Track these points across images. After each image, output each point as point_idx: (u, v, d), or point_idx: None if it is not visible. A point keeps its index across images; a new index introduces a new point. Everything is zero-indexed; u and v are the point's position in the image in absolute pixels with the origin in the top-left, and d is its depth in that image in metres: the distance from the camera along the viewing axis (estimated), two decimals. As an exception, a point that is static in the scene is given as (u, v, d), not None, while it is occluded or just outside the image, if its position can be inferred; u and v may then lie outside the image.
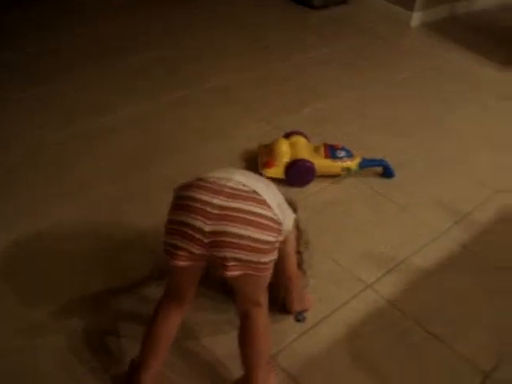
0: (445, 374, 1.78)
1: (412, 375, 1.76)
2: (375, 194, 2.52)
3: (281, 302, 1.86)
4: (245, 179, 1.49)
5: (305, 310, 1.88)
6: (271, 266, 1.47)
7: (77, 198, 2.33)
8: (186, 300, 1.61)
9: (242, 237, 1.38)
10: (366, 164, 2.58)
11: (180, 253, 1.43)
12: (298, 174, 2.48)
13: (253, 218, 1.40)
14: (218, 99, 3.13)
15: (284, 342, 1.82)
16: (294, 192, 2.44)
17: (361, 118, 3.09)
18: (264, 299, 1.57)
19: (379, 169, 2.64)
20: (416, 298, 2.02)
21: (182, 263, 1.45)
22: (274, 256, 1.46)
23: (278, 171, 2.48)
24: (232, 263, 1.40)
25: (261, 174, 2.44)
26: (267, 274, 1.49)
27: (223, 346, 1.77)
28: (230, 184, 1.45)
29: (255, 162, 2.58)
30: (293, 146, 2.54)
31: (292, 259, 1.79)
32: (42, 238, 2.12)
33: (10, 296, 1.88)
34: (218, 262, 1.42)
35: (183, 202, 1.46)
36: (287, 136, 2.60)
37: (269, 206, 1.45)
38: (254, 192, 1.45)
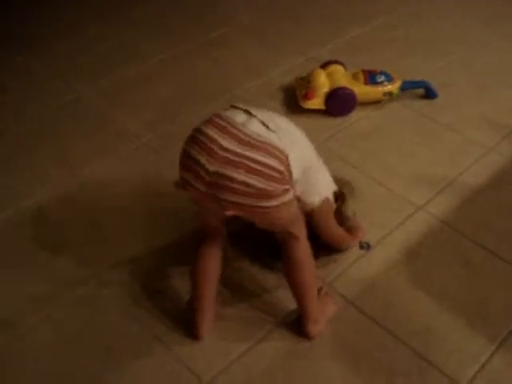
0: (507, 291, 1.77)
1: (473, 293, 1.76)
2: (419, 116, 2.47)
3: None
4: (263, 129, 1.43)
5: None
6: (279, 209, 1.43)
7: (117, 149, 2.36)
8: (216, 235, 1.64)
9: (240, 182, 1.36)
10: (407, 86, 2.52)
11: (189, 187, 1.44)
12: (338, 103, 2.44)
13: (257, 166, 1.36)
14: (250, 37, 3.09)
15: (339, 268, 1.84)
16: (337, 122, 2.42)
17: (394, 41, 3.01)
18: (298, 232, 1.55)
19: (421, 91, 2.58)
20: (470, 216, 2.00)
21: (194, 195, 1.46)
22: (276, 202, 1.40)
23: (318, 102, 2.45)
24: (230, 205, 1.40)
25: (299, 108, 2.42)
26: (281, 216, 1.46)
27: (271, 279, 1.80)
28: (244, 130, 1.41)
29: (294, 96, 2.55)
30: (330, 75, 2.49)
31: (331, 232, 1.79)
32: (89, 192, 2.16)
33: (67, 249, 1.94)
34: (217, 203, 1.42)
35: (196, 134, 1.45)
36: (324, 66, 2.55)
37: (278, 158, 1.40)
38: (267, 143, 1.40)
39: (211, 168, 1.38)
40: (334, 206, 1.77)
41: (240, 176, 1.35)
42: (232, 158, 1.37)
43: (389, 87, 2.48)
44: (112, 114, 2.57)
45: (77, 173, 2.23)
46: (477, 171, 2.18)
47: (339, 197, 1.77)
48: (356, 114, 2.47)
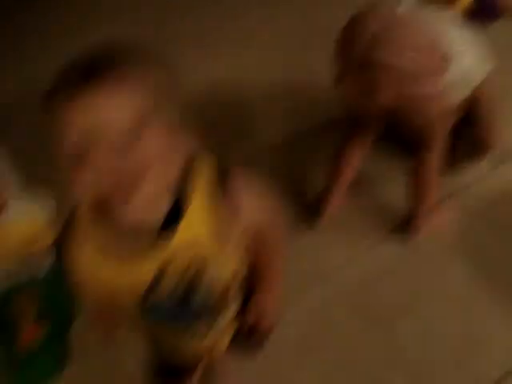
0: None
1: None
2: None
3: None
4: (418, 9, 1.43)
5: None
6: (430, 100, 1.43)
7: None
8: (368, 132, 1.68)
9: (394, 67, 1.35)
10: None
11: (345, 77, 1.46)
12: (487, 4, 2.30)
13: (412, 42, 1.36)
14: None
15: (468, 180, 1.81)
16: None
17: None
18: (436, 147, 1.58)
19: None
20: None
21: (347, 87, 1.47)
22: (431, 89, 1.40)
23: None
24: (383, 92, 1.40)
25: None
26: (428, 108, 1.46)
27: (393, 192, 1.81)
28: (402, 13, 1.40)
29: None
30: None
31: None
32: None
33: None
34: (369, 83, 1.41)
35: (349, 25, 1.44)
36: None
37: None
38: (424, 25, 1.40)
39: (363, 52, 1.38)
40: None
41: (390, 56, 1.36)
42: (383, 39, 1.37)
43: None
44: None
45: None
46: None
47: None
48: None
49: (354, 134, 1.70)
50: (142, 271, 0.92)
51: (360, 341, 1.59)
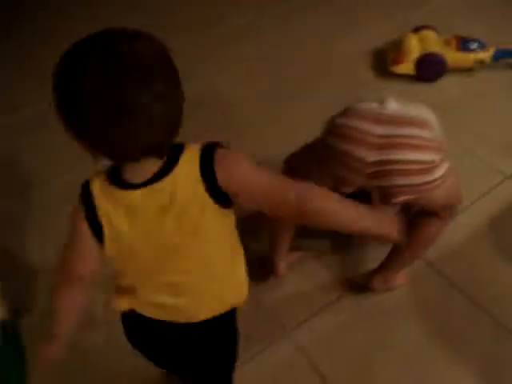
0: None
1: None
2: (511, 85, 2.42)
3: None
4: (399, 105, 1.43)
5: None
6: (442, 180, 1.40)
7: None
8: None
9: (405, 162, 1.34)
10: (500, 55, 2.46)
11: (346, 182, 1.43)
12: (428, 69, 2.42)
13: (414, 141, 1.35)
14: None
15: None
16: (426, 88, 2.40)
17: (487, 9, 2.90)
18: (446, 213, 1.53)
19: (515, 60, 2.52)
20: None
21: (347, 190, 1.43)
22: (440, 172, 1.38)
23: (407, 67, 2.44)
24: (397, 191, 1.38)
25: (389, 72, 2.42)
26: (443, 188, 1.42)
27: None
28: (385, 111, 1.39)
29: (383, 60, 2.55)
30: (422, 40, 2.47)
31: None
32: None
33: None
34: (382, 192, 1.42)
35: (341, 129, 1.41)
36: (416, 31, 2.53)
37: (427, 127, 1.39)
38: (411, 116, 1.40)
39: (370, 158, 1.36)
40: None
41: (403, 156, 1.34)
42: (388, 141, 1.35)
43: (481, 55, 2.43)
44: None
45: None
46: None
47: None
48: (446, 80, 2.45)
49: None
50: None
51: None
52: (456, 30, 2.57)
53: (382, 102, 1.42)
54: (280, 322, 1.66)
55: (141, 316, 1.10)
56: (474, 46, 2.44)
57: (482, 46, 2.45)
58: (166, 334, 1.13)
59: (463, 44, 2.45)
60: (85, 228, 0.99)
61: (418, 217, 1.54)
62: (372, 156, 1.35)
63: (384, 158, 1.35)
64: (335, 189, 1.38)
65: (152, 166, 0.93)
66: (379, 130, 1.36)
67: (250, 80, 2.59)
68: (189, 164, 0.94)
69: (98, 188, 0.97)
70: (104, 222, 0.97)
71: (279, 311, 1.69)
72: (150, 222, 0.96)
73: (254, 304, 1.62)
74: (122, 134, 0.83)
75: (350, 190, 1.43)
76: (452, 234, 1.82)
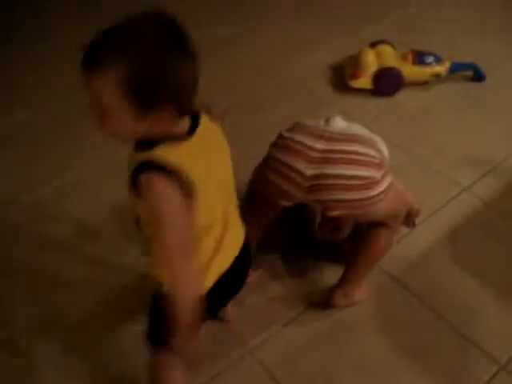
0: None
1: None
2: (467, 98, 2.46)
3: None
4: (344, 123, 1.48)
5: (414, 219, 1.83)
6: (383, 196, 1.42)
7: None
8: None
9: (343, 177, 1.37)
10: (455, 68, 2.51)
11: (286, 195, 1.45)
12: (385, 84, 2.45)
13: (355, 157, 1.38)
14: (297, 13, 3.11)
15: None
16: (383, 101, 2.43)
17: (445, 22, 2.98)
18: (393, 223, 1.55)
19: (469, 73, 2.56)
20: (516, 199, 2.00)
21: (288, 204, 1.47)
22: (380, 188, 1.41)
23: (364, 82, 2.46)
24: (333, 205, 1.41)
25: (347, 86, 2.44)
26: (383, 204, 1.44)
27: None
28: (330, 128, 1.44)
29: (342, 75, 2.57)
30: (379, 55, 2.49)
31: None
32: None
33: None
34: (319, 205, 1.44)
35: (285, 142, 1.45)
36: (373, 45, 2.55)
37: (370, 146, 1.43)
38: (356, 134, 1.45)
39: (309, 172, 1.39)
40: None
41: (342, 170, 1.37)
42: (329, 156, 1.39)
43: (437, 68, 2.47)
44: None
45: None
46: (525, 154, 2.17)
47: None
48: (403, 94, 2.48)
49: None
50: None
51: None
52: (413, 44, 2.60)
53: (328, 119, 1.48)
54: (241, 340, 1.63)
55: (220, 277, 1.16)
56: (430, 59, 2.48)
57: (438, 60, 2.49)
58: (238, 272, 1.22)
59: (419, 58, 2.48)
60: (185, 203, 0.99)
61: (368, 228, 1.56)
62: (311, 170, 1.39)
63: (323, 171, 1.38)
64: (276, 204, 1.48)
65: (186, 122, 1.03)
66: (321, 145, 1.40)
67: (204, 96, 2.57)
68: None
69: (174, 155, 0.97)
70: (194, 178, 0.98)
71: (241, 329, 1.66)
72: (216, 158, 1.08)
73: (215, 322, 1.60)
74: (193, 85, 0.98)
75: (289, 203, 1.46)
76: (412, 246, 1.85)
